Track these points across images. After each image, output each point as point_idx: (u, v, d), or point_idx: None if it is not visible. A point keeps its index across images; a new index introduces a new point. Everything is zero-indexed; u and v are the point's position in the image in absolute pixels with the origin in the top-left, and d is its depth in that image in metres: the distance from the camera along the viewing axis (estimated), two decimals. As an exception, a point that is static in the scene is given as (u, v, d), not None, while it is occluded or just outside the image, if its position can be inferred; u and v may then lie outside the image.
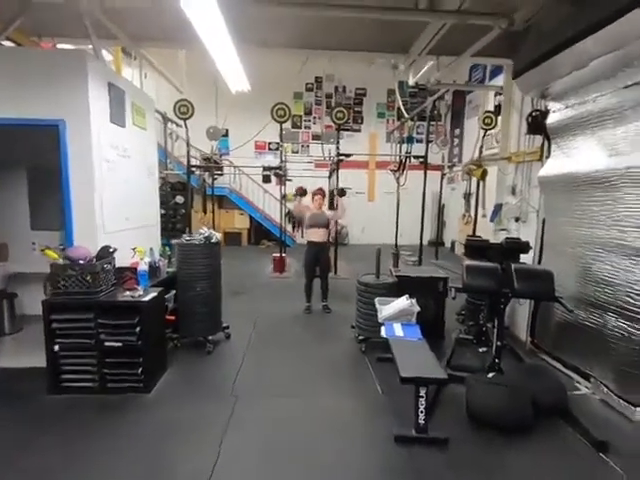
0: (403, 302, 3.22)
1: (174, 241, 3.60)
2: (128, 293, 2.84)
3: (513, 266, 2.77)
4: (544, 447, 2.31)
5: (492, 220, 4.53)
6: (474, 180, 7.31)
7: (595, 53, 2.67)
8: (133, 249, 3.15)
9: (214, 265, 3.60)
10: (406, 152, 8.34)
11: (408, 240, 9.85)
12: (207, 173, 9.06)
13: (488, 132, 7.12)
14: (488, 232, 8.65)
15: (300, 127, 12.14)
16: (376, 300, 3.39)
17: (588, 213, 3.00)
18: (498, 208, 4.42)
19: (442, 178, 9.46)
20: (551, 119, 3.44)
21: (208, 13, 2.41)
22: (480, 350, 3.64)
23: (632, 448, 2.31)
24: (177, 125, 9.38)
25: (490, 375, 2.73)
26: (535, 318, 3.67)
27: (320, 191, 4.90)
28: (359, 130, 12.32)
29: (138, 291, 2.88)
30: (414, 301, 3.22)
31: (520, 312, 3.90)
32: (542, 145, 3.64)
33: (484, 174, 5.04)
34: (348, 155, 7.12)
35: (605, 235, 2.83)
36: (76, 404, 2.65)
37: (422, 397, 2.27)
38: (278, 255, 7.20)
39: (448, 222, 12.54)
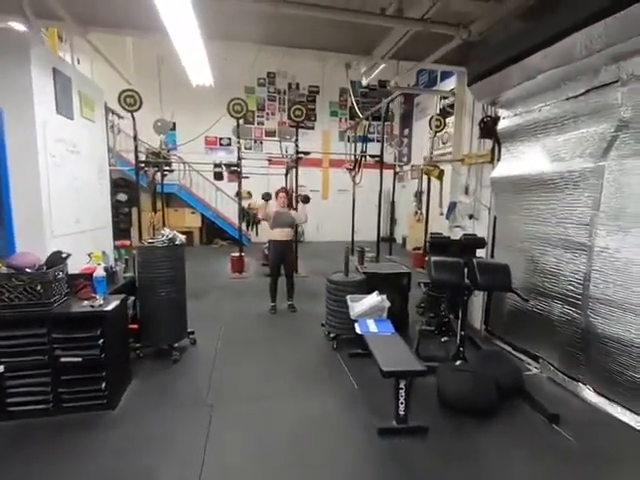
0: (374, 298, 3.33)
1: (136, 246, 3.34)
2: (87, 303, 2.59)
3: (475, 261, 2.99)
4: (509, 426, 2.54)
5: (447, 217, 4.84)
6: (425, 179, 7.74)
7: (543, 67, 2.96)
8: (89, 254, 2.88)
9: (179, 268, 3.42)
10: (362, 151, 8.56)
11: (362, 236, 10.13)
12: (155, 169, 8.51)
13: (437, 134, 7.57)
14: (442, 228, 9.26)
15: (253, 123, 11.88)
16: (348, 297, 3.46)
17: (535, 211, 3.34)
18: (453, 206, 4.73)
19: (394, 177, 9.89)
20: (501, 125, 3.76)
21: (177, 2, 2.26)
22: (442, 340, 3.89)
23: (578, 418, 2.64)
24: (119, 117, 8.70)
25: (457, 363, 2.93)
26: (489, 308, 4.01)
27: (284, 190, 4.87)
28: (312, 128, 12.37)
29: (98, 300, 2.64)
30: (384, 297, 3.34)
31: (475, 303, 4.22)
32: (493, 149, 3.96)
33: (441, 174, 5.37)
34: (307, 153, 7.13)
35: (550, 231, 3.17)
36: (28, 429, 2.37)
37: (402, 389, 2.37)
38: (236, 255, 7.01)
39: (398, 219, 13.13)
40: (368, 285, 3.75)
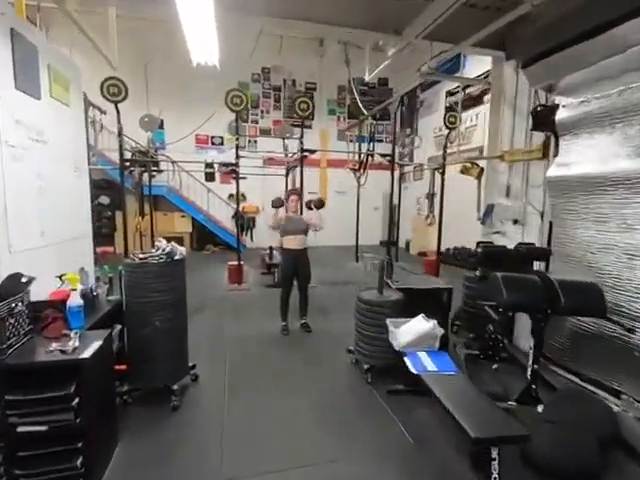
0: (422, 324, 2.70)
1: (124, 262, 2.63)
2: (56, 345, 1.87)
3: (556, 279, 2.40)
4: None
5: (484, 222, 4.27)
6: (438, 179, 7.19)
7: (635, 39, 2.40)
8: (60, 277, 2.16)
9: (178, 289, 2.73)
10: (367, 150, 7.97)
11: (362, 240, 9.54)
12: (142, 170, 7.72)
13: (451, 131, 7.03)
14: (459, 233, 8.76)
15: (247, 121, 11.16)
16: (388, 322, 2.83)
17: (613, 217, 2.78)
18: (490, 209, 4.16)
19: (401, 177, 9.34)
20: (561, 114, 3.20)
21: None
22: (493, 367, 3.29)
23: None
24: (101, 112, 7.91)
25: (540, 410, 2.33)
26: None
27: (295, 191, 4.22)
28: (310, 127, 11.67)
29: (72, 340, 1.93)
30: (435, 323, 2.72)
31: (522, 320, 3.65)
32: (546, 142, 3.40)
33: (481, 173, 4.76)
34: (312, 151, 6.50)
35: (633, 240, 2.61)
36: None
37: (495, 460, 1.75)
38: (234, 264, 6.30)
39: (401, 222, 12.60)
40: (407, 304, 3.13)
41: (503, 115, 4.05)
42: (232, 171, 6.08)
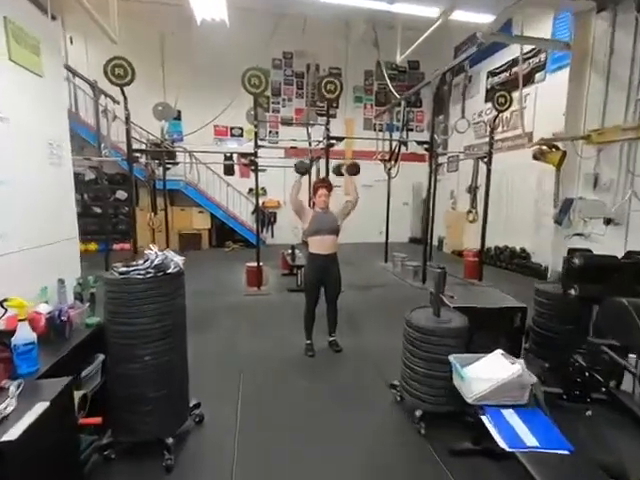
0: (504, 367, 1.94)
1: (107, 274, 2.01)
2: (-25, 414, 1.26)
3: None
4: None
5: (560, 222, 3.42)
6: (482, 170, 6.30)
7: None
8: (1, 303, 1.56)
9: (174, 313, 2.08)
10: (400, 138, 7.14)
11: (391, 237, 8.72)
12: (156, 162, 7.23)
13: (501, 114, 6.10)
14: (507, 232, 7.80)
15: (268, 110, 10.52)
16: (453, 361, 2.09)
17: None
18: (567, 205, 3.31)
19: (437, 168, 8.44)
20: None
21: None
22: (587, 414, 2.49)
23: None
24: (114, 101, 7.44)
25: None
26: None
27: (325, 183, 3.48)
28: (334, 116, 10.87)
29: (6, 399, 1.31)
30: (522, 364, 1.95)
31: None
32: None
33: (562, 159, 3.85)
34: (340, 138, 5.76)
35: None
36: None
37: None
38: (253, 265, 5.67)
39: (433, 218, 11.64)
40: (469, 330, 2.37)
41: (590, 84, 3.17)
42: (250, 162, 5.43)
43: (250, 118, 5.46)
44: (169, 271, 1.97)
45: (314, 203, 3.48)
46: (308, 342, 3.52)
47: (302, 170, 3.40)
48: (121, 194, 9.37)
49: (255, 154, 5.34)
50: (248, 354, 3.49)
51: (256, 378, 3.03)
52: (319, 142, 6.56)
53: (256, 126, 5.24)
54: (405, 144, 6.95)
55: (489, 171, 6.12)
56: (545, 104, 6.86)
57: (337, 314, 3.55)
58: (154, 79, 9.51)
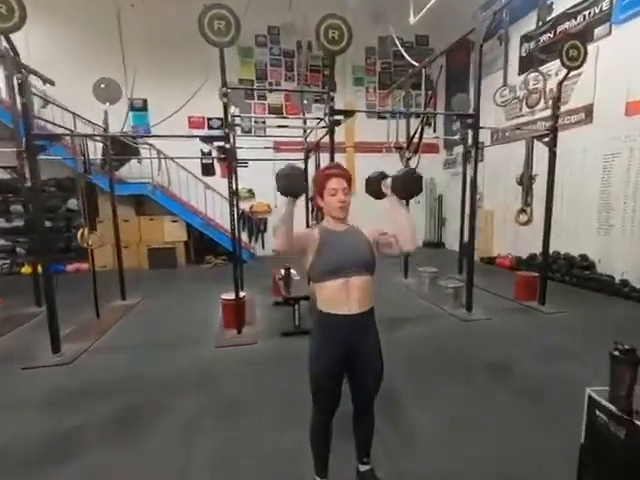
0: None
1: None
2: None
3: None
4: None
5: None
6: (542, 152, 4.63)
7: None
8: None
9: None
10: (423, 118, 5.46)
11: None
12: (101, 160, 5.50)
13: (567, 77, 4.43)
14: (575, 237, 6.02)
15: (252, 97, 8.81)
16: None
17: None
18: None
19: (466, 155, 6.77)
20: None
21: None
22: None
23: None
24: (45, 81, 5.68)
25: None
26: None
27: (338, 169, 1.68)
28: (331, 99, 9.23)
29: None
30: None
31: None
32: None
33: None
34: (348, 112, 4.06)
35: None
36: None
37: None
38: (231, 298, 3.94)
39: (449, 217, 9.99)
40: None
41: None
42: (223, 151, 3.71)
43: (221, 92, 3.74)
44: None
45: (319, 213, 1.75)
46: (321, 481, 1.80)
47: (293, 186, 1.47)
48: (73, 203, 7.60)
49: (227, 138, 3.62)
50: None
51: None
52: (319, 121, 4.86)
53: (225, 95, 3.52)
54: (430, 124, 5.27)
55: (553, 155, 4.46)
56: (611, 67, 5.22)
57: (374, 426, 1.82)
58: (111, 61, 7.78)
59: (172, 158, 7.28)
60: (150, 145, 7.58)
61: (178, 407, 2.56)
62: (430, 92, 5.90)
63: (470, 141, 4.15)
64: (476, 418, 2.38)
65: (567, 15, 5.99)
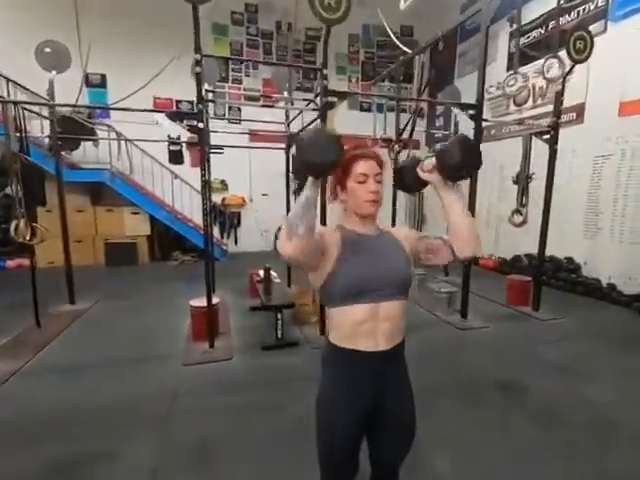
0: None
1: None
2: None
3: None
4: None
5: None
6: (540, 149, 4.37)
7: None
8: None
9: None
10: (414, 111, 5.07)
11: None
12: (48, 141, 4.69)
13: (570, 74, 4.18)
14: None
15: (227, 79, 8.09)
16: None
17: None
18: None
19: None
20: None
21: None
22: None
23: None
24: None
25: None
26: None
27: (369, 153, 1.16)
28: (311, 89, 8.70)
29: None
30: None
31: None
32: None
33: None
34: (343, 94, 3.56)
35: None
36: None
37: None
38: (202, 305, 3.36)
39: (429, 215, 9.78)
40: None
41: None
42: (193, 131, 3.10)
43: (203, 76, 3.08)
44: None
45: (341, 206, 1.25)
46: None
47: (327, 160, 0.89)
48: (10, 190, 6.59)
49: (199, 115, 3.02)
50: None
51: None
52: (308, 103, 4.33)
53: (198, 62, 2.91)
54: (423, 116, 4.88)
55: (554, 153, 4.21)
56: (606, 65, 5.07)
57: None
58: (62, 25, 6.78)
59: (132, 140, 6.47)
60: (109, 127, 6.75)
61: (126, 456, 1.98)
62: (427, 78, 5.50)
63: (474, 135, 3.78)
64: (499, 453, 2.00)
65: (561, 10, 5.79)
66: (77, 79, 5.31)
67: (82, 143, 6.34)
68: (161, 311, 4.36)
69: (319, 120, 3.38)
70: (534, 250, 5.67)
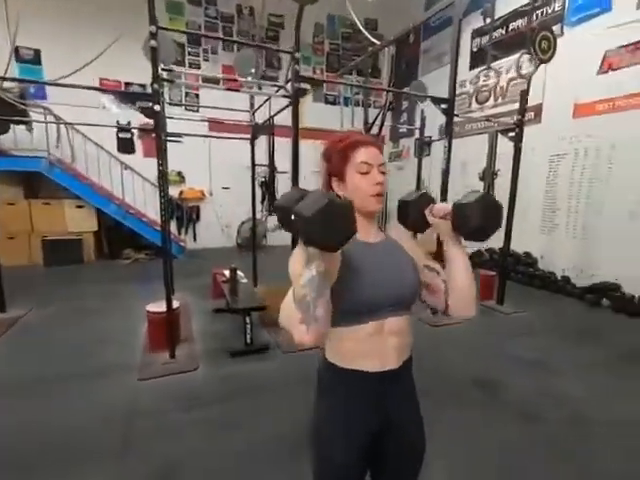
0: None
1: None
2: None
3: None
4: None
5: None
6: (504, 146, 4.46)
7: None
8: None
9: None
10: (385, 105, 4.98)
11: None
12: None
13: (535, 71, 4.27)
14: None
15: (183, 64, 7.51)
16: None
17: None
18: None
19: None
20: None
21: None
22: None
23: None
24: None
25: None
26: None
27: (367, 137, 1.01)
28: (275, 78, 8.35)
29: None
30: None
31: None
32: None
33: None
34: (317, 82, 3.35)
35: None
36: None
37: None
38: (160, 310, 3.00)
39: (391, 213, 9.90)
40: None
41: None
42: (147, 113, 2.73)
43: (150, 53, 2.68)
44: None
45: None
46: None
47: (340, 233, 0.69)
48: None
49: (155, 96, 2.66)
50: None
51: None
52: (278, 89, 4.04)
53: (153, 35, 2.55)
54: (393, 109, 4.80)
55: (519, 150, 4.30)
56: (561, 68, 5.29)
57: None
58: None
59: (73, 124, 5.80)
60: (45, 109, 5.99)
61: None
62: (396, 72, 5.42)
63: (445, 129, 3.74)
64: (491, 456, 1.94)
65: (520, 13, 5.99)
66: (4, 52, 4.63)
67: (12, 127, 5.59)
68: (112, 318, 3.90)
69: (290, 110, 3.14)
70: (495, 245, 5.84)
